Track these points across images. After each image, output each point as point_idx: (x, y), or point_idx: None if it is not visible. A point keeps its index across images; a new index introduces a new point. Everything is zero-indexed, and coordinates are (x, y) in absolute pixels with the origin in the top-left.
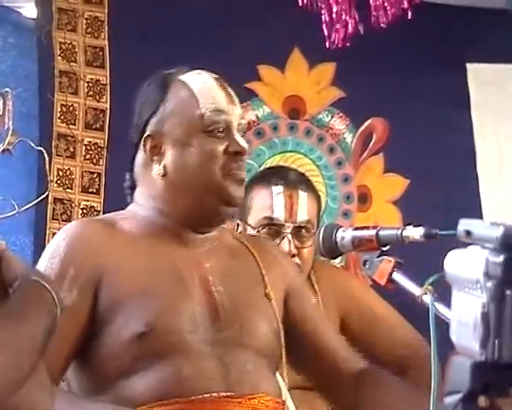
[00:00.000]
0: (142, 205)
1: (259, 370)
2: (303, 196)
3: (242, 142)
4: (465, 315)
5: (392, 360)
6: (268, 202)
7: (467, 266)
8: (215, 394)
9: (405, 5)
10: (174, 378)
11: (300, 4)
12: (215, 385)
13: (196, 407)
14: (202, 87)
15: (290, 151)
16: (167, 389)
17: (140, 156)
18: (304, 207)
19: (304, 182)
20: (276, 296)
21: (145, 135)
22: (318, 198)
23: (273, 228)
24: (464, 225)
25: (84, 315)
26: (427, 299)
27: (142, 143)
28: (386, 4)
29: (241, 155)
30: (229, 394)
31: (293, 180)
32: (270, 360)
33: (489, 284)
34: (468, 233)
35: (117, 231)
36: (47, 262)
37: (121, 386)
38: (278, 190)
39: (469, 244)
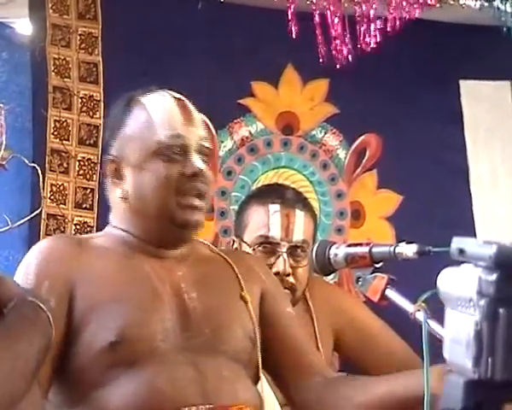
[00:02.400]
0: (115, 226)
1: (236, 377)
2: (300, 216)
3: (199, 163)
4: (458, 333)
5: None
6: (264, 220)
7: (460, 284)
8: (194, 407)
9: (399, 22)
10: (148, 390)
11: (294, 24)
12: (192, 396)
13: None
14: (160, 111)
15: (283, 167)
16: (142, 401)
17: (107, 179)
18: (300, 227)
19: (301, 201)
20: (253, 299)
21: (107, 158)
22: (315, 217)
23: (269, 246)
24: (457, 243)
25: (61, 326)
26: (420, 316)
27: (105, 165)
28: (380, 22)
29: (198, 177)
30: (207, 406)
31: (290, 199)
32: (246, 365)
33: (482, 303)
34: (462, 251)
35: (88, 245)
36: (22, 279)
37: (95, 398)
38: (275, 208)
39: (462, 262)
